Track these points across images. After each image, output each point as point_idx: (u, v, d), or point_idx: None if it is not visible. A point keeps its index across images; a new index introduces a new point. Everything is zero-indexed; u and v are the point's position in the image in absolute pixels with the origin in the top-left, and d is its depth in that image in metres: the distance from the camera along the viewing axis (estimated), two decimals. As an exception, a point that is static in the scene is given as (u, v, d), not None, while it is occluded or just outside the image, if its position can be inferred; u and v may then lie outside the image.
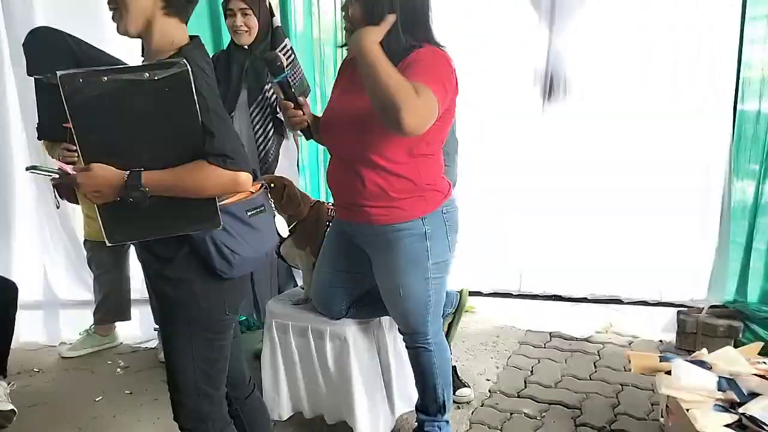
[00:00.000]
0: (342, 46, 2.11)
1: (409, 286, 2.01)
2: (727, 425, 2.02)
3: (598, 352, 3.11)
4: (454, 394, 2.64)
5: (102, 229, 1.39)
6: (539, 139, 3.19)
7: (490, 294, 3.39)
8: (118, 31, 1.43)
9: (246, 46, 2.71)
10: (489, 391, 2.76)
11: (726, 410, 2.09)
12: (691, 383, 2.18)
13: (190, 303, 1.51)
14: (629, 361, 2.37)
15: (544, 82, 3.11)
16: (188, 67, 1.28)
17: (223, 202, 1.46)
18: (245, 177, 1.41)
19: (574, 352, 3.11)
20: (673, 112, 3.00)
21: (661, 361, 2.33)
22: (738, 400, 2.11)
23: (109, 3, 1.42)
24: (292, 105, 1.93)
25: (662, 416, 2.41)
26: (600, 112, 3.10)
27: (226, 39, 3.23)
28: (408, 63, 1.75)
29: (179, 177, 1.36)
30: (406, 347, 2.22)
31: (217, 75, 2.78)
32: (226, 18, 2.70)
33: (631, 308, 3.28)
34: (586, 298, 3.27)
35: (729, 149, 2.92)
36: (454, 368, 2.75)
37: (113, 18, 1.42)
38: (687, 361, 2.29)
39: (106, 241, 1.40)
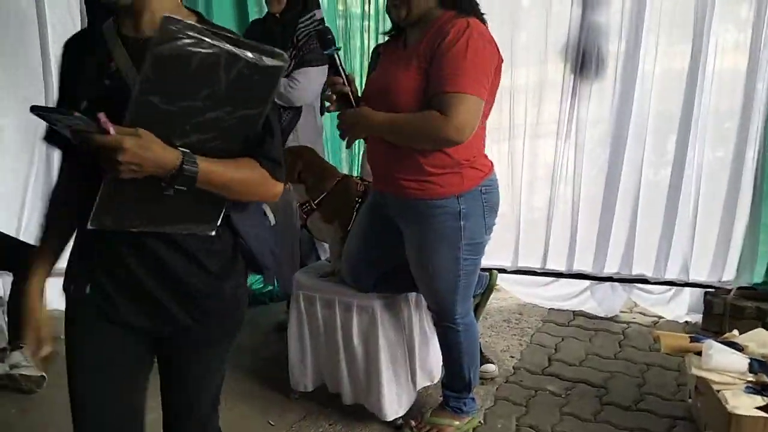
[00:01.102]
0: (386, 33, 2.05)
1: (439, 264, 1.98)
2: (759, 407, 2.01)
3: (622, 331, 3.09)
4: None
5: (94, 207, 1.13)
6: (568, 114, 3.12)
7: (514, 271, 3.36)
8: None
9: (278, 15, 2.68)
10: (513, 368, 2.76)
11: (758, 392, 2.07)
12: (722, 364, 2.16)
13: (241, 318, 1.37)
14: (658, 341, 2.34)
15: (576, 57, 3.02)
16: (286, 64, 1.14)
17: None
18: (281, 190, 1.27)
19: (598, 331, 3.09)
20: (708, 90, 2.92)
21: (691, 341, 2.31)
22: (769, 383, 2.10)
23: None
24: (341, 80, 1.87)
25: (690, 397, 2.39)
26: (629, 89, 3.01)
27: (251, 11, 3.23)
28: (443, 47, 1.73)
29: (233, 175, 1.16)
30: (434, 324, 2.22)
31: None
32: None
33: (657, 288, 3.23)
34: (611, 277, 3.23)
35: (763, 128, 2.85)
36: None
37: None
38: (718, 342, 2.27)
39: (89, 223, 1.13)
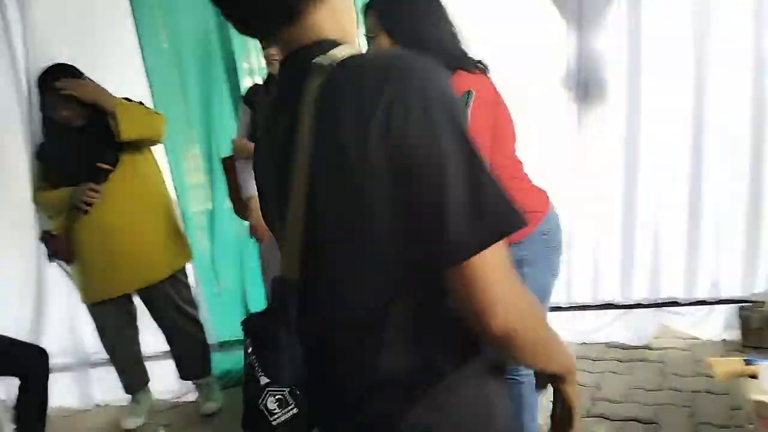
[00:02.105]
0: None
1: None
2: (829, 429, 1.88)
3: (660, 359, 2.97)
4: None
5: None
6: (576, 142, 3.06)
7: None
8: None
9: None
10: (556, 413, 2.61)
11: (826, 414, 1.95)
12: (783, 387, 2.03)
13: None
14: (710, 368, 2.21)
15: (577, 85, 2.98)
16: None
17: None
18: None
19: (636, 362, 2.96)
20: (718, 103, 2.87)
21: (747, 364, 2.18)
22: (835, 401, 1.97)
23: None
24: None
25: (749, 423, 2.25)
26: (637, 113, 2.96)
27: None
28: None
29: None
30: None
31: (255, 107, 2.76)
32: (263, 49, 2.65)
33: (689, 309, 3.12)
34: (640, 303, 3.12)
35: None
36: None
37: None
38: (775, 362, 2.15)
39: None
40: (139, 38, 3.11)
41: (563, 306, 3.23)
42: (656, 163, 2.98)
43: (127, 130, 2.67)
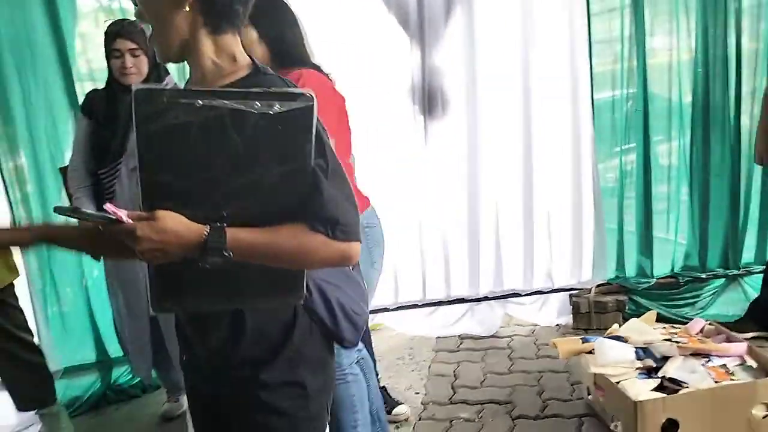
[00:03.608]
0: None
1: None
2: (654, 389, 2.22)
3: (508, 345, 3.27)
4: (390, 413, 2.62)
5: (148, 293, 1.09)
6: (422, 151, 3.27)
7: (397, 308, 3.41)
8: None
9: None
10: (422, 403, 2.78)
11: (648, 376, 2.30)
12: (613, 358, 2.36)
13: (300, 400, 1.19)
14: (555, 348, 2.50)
15: (422, 98, 3.20)
16: (314, 101, 0.98)
17: None
18: (357, 250, 1.09)
19: (487, 350, 3.23)
20: (543, 113, 3.24)
21: (583, 342, 2.50)
22: (655, 365, 2.33)
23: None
24: None
25: (588, 394, 2.58)
26: (475, 123, 3.25)
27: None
28: None
29: (276, 244, 1.03)
30: None
31: (97, 116, 2.56)
32: (109, 59, 2.44)
33: (528, 299, 3.47)
34: (487, 297, 3.41)
35: (591, 138, 3.22)
36: (384, 388, 2.74)
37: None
38: (606, 338, 2.49)
39: (151, 309, 1.11)
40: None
41: (419, 304, 3.44)
42: (494, 170, 3.30)
43: None
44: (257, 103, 0.95)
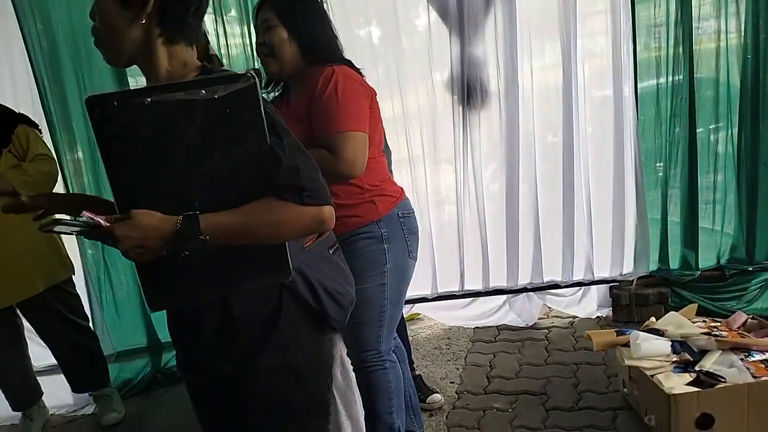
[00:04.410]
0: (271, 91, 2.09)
1: (364, 290, 1.93)
2: (689, 383, 2.19)
3: (545, 337, 3.25)
4: (425, 402, 2.67)
5: (142, 293, 1.14)
6: (462, 140, 3.27)
7: (435, 298, 3.44)
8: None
9: None
10: (456, 393, 2.80)
11: (684, 370, 2.26)
12: (649, 351, 2.33)
13: (293, 381, 1.25)
14: (590, 340, 2.49)
15: (461, 89, 3.20)
16: (257, 79, 1.02)
17: (310, 243, 1.29)
18: (330, 212, 1.14)
19: (524, 341, 3.23)
20: (585, 102, 3.19)
21: (618, 335, 2.47)
22: (692, 359, 2.29)
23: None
24: None
25: (623, 387, 2.55)
26: (515, 115, 3.21)
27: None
28: (316, 96, 1.82)
29: (249, 220, 1.08)
30: (355, 369, 2.03)
31: None
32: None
33: (568, 290, 3.44)
34: (525, 288, 3.40)
35: (635, 128, 3.15)
36: (419, 376, 2.79)
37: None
38: (642, 331, 2.45)
39: (149, 308, 1.16)
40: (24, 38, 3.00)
41: (457, 294, 3.45)
42: (533, 160, 3.25)
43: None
44: (202, 90, 0.99)
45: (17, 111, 2.74)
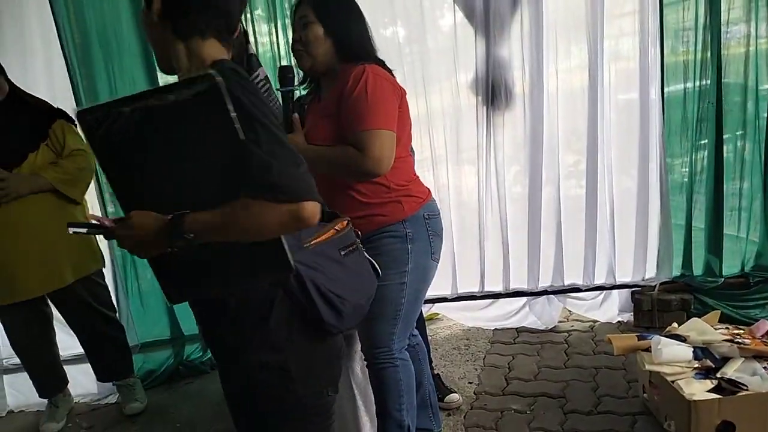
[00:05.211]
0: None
1: (383, 286, 1.90)
2: (710, 390, 2.17)
3: (565, 340, 3.24)
4: (442, 401, 2.68)
5: (161, 289, 1.21)
6: (485, 141, 3.27)
7: (455, 298, 3.45)
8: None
9: None
10: (474, 393, 2.81)
11: (705, 377, 2.25)
12: (670, 357, 2.32)
13: (284, 382, 1.26)
14: (610, 344, 2.48)
15: (486, 90, 3.20)
16: (220, 78, 1.05)
17: (314, 241, 1.26)
18: (311, 209, 1.11)
19: (543, 344, 3.22)
20: (611, 105, 3.18)
21: (639, 339, 2.46)
22: (713, 366, 2.28)
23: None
24: (298, 117, 1.98)
25: (643, 392, 2.54)
26: (539, 118, 3.21)
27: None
28: (346, 93, 1.85)
29: (226, 219, 1.11)
30: (367, 365, 2.12)
31: None
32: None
33: (589, 294, 3.42)
34: (546, 291, 3.39)
35: (660, 135, 3.13)
36: (438, 376, 2.80)
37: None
38: (663, 336, 2.44)
39: (168, 301, 1.23)
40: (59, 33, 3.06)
41: (477, 295, 3.46)
42: (557, 163, 3.25)
43: (76, 194, 2.74)
44: (170, 95, 1.03)
45: (55, 106, 2.80)
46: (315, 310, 1.24)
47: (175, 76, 1.25)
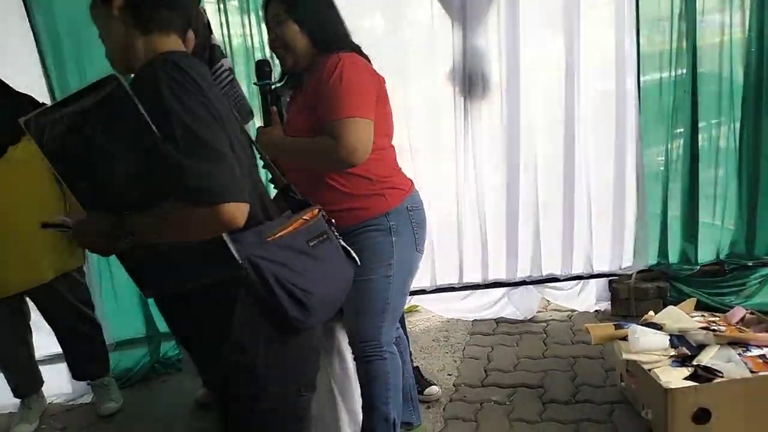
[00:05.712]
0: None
1: (369, 281, 1.94)
2: (686, 377, 2.19)
3: (544, 330, 3.25)
4: (422, 393, 2.67)
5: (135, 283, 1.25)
6: (463, 132, 3.26)
7: (434, 290, 3.44)
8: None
9: None
10: (453, 385, 2.80)
11: (682, 364, 2.26)
12: (647, 345, 2.33)
13: (251, 381, 1.24)
14: (588, 333, 2.48)
15: (463, 80, 3.18)
16: (119, 80, 1.03)
17: (279, 234, 1.21)
18: (229, 211, 1.06)
19: (522, 334, 3.23)
20: (587, 95, 3.17)
21: (616, 328, 2.47)
22: (689, 353, 2.29)
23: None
24: (275, 110, 1.95)
25: (621, 381, 2.55)
26: (516, 107, 3.19)
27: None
28: (322, 83, 1.82)
29: (159, 220, 1.11)
30: (356, 358, 2.09)
31: None
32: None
33: (567, 284, 3.43)
34: (524, 281, 3.39)
35: (637, 121, 3.14)
36: (417, 368, 2.78)
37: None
38: (640, 325, 2.45)
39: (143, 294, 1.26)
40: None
41: (456, 286, 3.45)
42: (534, 153, 3.24)
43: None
44: (84, 100, 1.04)
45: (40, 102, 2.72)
46: (279, 305, 1.18)
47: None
